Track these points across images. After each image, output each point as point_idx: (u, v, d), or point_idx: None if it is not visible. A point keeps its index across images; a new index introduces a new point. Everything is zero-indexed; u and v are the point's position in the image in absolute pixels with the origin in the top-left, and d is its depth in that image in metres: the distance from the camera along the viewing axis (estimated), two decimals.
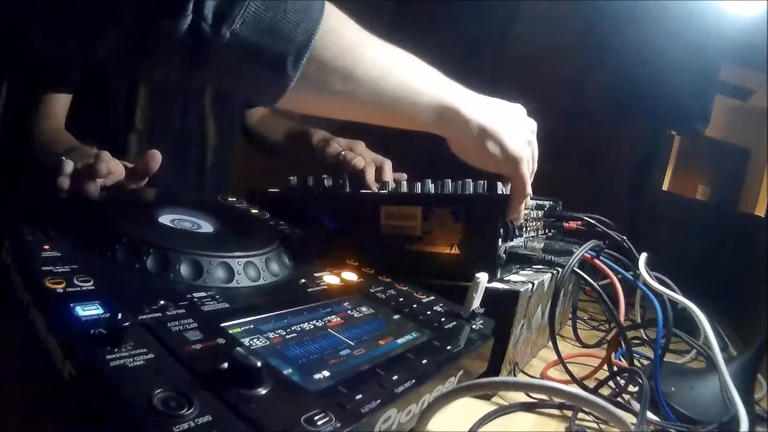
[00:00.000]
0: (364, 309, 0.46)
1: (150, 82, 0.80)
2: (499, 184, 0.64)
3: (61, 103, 0.83)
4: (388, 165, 0.85)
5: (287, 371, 0.32)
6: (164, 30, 0.34)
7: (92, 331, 0.29)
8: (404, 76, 0.47)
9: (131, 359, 0.28)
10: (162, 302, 0.35)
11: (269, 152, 1.08)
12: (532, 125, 0.57)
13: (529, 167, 0.56)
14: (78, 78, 0.84)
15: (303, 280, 0.48)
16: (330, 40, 0.40)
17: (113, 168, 0.57)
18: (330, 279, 0.51)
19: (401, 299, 0.51)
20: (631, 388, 0.56)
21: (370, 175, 0.81)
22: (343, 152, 0.85)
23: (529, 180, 0.56)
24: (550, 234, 0.77)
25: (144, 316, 0.33)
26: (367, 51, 0.44)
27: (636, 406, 0.54)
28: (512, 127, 0.54)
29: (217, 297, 0.39)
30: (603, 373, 0.58)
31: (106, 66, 0.82)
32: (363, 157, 0.83)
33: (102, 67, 0.83)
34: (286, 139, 1.02)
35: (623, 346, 0.58)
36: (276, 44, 0.37)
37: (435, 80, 0.50)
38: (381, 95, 0.45)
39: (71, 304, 0.31)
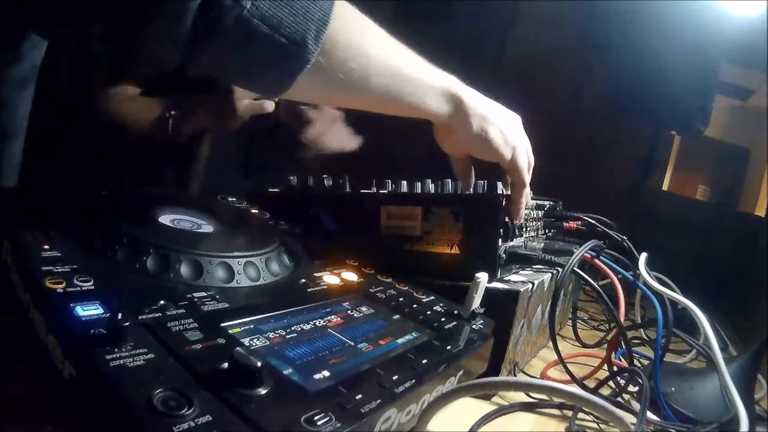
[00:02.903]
0: (364, 309, 0.46)
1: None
2: (499, 184, 0.64)
3: (131, 90, 0.85)
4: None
5: (287, 371, 0.32)
6: None
7: (92, 331, 0.29)
8: (413, 58, 0.47)
9: (131, 359, 0.28)
10: (162, 302, 0.35)
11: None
12: (519, 119, 0.59)
13: (524, 158, 0.57)
14: (149, 73, 0.86)
15: (303, 280, 0.48)
16: (344, 19, 0.39)
17: None
18: (330, 279, 0.51)
19: (401, 299, 0.51)
20: (631, 388, 0.56)
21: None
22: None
23: (526, 171, 0.57)
24: (550, 234, 0.77)
25: (144, 316, 0.33)
26: (376, 31, 0.44)
27: (636, 406, 0.54)
28: (508, 117, 0.56)
29: (217, 297, 0.39)
30: (603, 373, 0.58)
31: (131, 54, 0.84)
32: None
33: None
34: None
35: (623, 346, 0.58)
36: (297, 17, 0.36)
37: (437, 69, 0.51)
38: (394, 76, 0.45)
39: (71, 304, 0.31)
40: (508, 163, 0.56)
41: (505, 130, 0.54)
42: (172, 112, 0.79)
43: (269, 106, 0.81)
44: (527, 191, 0.59)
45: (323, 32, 0.37)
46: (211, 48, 0.35)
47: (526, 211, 0.65)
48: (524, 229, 0.65)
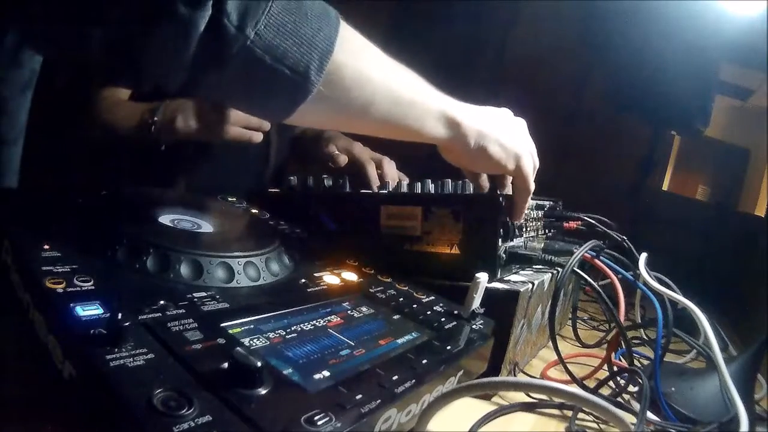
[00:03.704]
0: (364, 309, 0.46)
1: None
2: None
3: (122, 93, 0.86)
4: (387, 162, 0.85)
5: (287, 371, 0.32)
6: (179, 19, 0.31)
7: (92, 331, 0.29)
8: (412, 80, 0.47)
9: (131, 359, 0.28)
10: (162, 302, 0.35)
11: (302, 159, 1.09)
12: (523, 124, 0.59)
13: (530, 163, 0.57)
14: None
15: (303, 280, 0.48)
16: (346, 46, 0.39)
17: None
18: (330, 279, 0.51)
19: (401, 299, 0.51)
20: (631, 388, 0.56)
21: (372, 173, 0.82)
22: (335, 152, 0.85)
23: (531, 176, 0.57)
24: (550, 234, 0.77)
25: (144, 316, 0.33)
26: (376, 54, 0.44)
27: (636, 406, 0.54)
28: (508, 128, 0.56)
29: (217, 297, 0.39)
30: (603, 373, 0.58)
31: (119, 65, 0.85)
32: (362, 155, 0.84)
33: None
34: (309, 143, 1.04)
35: (623, 346, 0.58)
36: (300, 48, 0.36)
37: (434, 90, 0.50)
38: (395, 102, 0.45)
39: (71, 304, 0.31)
40: (512, 172, 0.56)
41: (505, 140, 0.54)
42: (155, 119, 0.79)
43: (257, 138, 0.80)
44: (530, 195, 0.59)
45: (326, 62, 0.37)
46: (213, 74, 0.35)
47: (527, 211, 0.65)
48: (524, 229, 0.65)
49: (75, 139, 0.87)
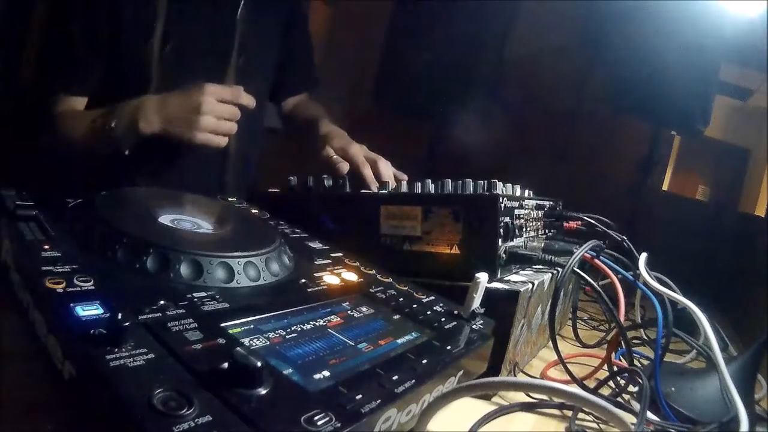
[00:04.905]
0: (364, 309, 0.46)
1: (172, 87, 0.81)
2: (499, 184, 0.64)
3: (78, 103, 0.86)
4: (383, 163, 0.85)
5: (287, 371, 0.32)
6: None
7: (92, 331, 0.29)
8: None
9: (131, 359, 0.28)
10: (162, 302, 0.35)
11: (298, 135, 1.10)
12: None
13: None
14: (95, 81, 0.87)
15: (303, 280, 0.48)
16: None
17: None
18: (330, 279, 0.51)
19: (401, 299, 0.51)
20: (631, 388, 0.56)
21: (368, 174, 0.82)
22: (333, 156, 0.85)
23: None
24: (550, 234, 0.77)
25: (144, 316, 0.33)
26: None
27: (636, 406, 0.54)
28: None
29: (217, 297, 0.39)
30: (603, 373, 0.58)
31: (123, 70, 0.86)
32: (357, 157, 0.83)
33: (118, 71, 0.86)
34: (305, 124, 1.04)
35: (623, 346, 0.58)
36: None
37: None
38: None
39: (71, 304, 0.31)
40: None
41: None
42: (112, 125, 0.77)
43: (224, 143, 0.80)
44: None
45: None
46: None
47: (526, 211, 0.65)
48: (524, 229, 0.65)
49: (40, 154, 0.87)
